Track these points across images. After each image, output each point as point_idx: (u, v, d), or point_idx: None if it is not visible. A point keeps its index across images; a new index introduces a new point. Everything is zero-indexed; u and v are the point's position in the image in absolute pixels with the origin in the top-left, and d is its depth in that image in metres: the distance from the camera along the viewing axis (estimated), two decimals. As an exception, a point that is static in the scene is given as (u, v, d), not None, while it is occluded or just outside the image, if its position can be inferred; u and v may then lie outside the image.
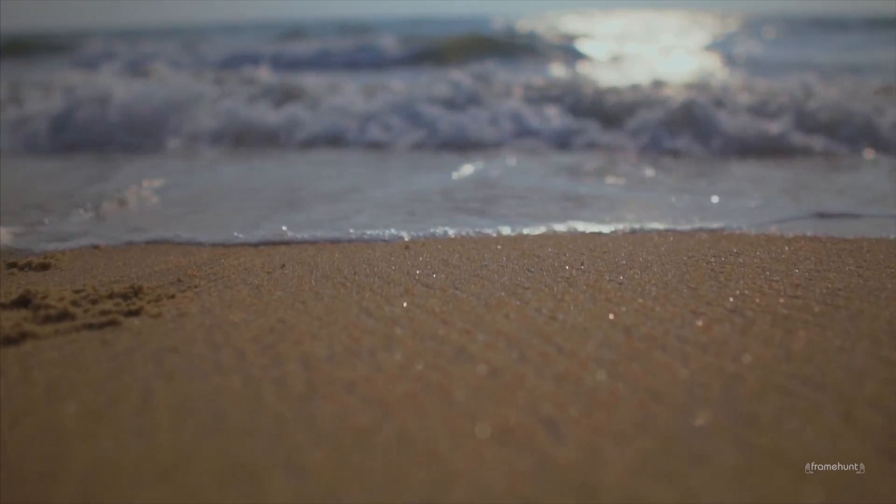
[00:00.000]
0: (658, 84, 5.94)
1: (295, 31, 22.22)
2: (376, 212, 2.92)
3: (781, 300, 1.63)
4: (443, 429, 1.02)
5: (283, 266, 2.06)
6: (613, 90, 5.64)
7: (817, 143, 4.50)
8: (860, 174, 3.88)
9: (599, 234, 2.46)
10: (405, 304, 1.63)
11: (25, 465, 0.95)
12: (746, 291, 1.70)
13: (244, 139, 5.08)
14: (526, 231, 2.51)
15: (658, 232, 2.47)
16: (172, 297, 1.78)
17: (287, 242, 2.42)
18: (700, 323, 1.47)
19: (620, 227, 2.56)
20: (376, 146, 4.96)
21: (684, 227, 2.56)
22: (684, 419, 1.04)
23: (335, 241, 2.41)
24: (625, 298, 1.65)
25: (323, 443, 1.00)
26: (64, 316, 1.65)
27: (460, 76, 5.85)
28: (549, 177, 3.79)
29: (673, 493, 0.88)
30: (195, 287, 1.87)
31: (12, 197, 3.32)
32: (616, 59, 12.73)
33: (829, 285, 1.76)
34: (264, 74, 6.72)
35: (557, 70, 10.35)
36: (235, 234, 2.54)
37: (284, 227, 2.60)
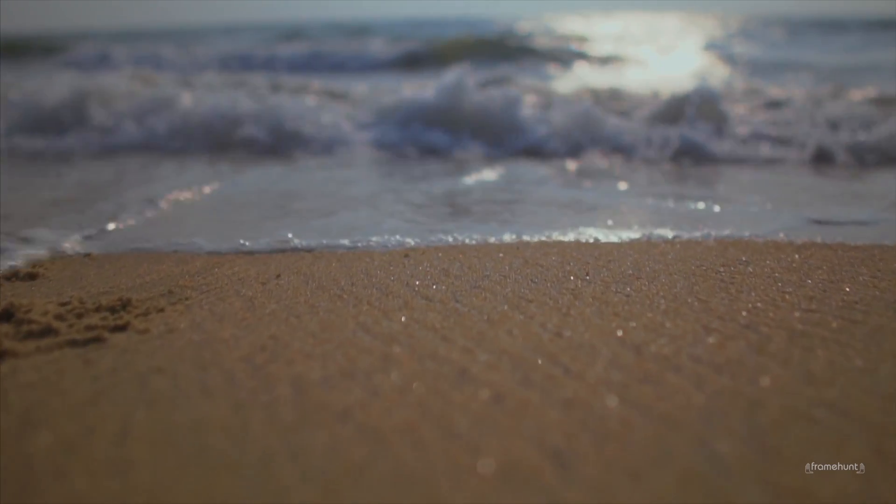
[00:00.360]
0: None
1: (293, 33, 22.15)
2: (376, 219, 2.85)
3: (796, 314, 1.56)
4: (443, 463, 0.95)
5: (278, 276, 1.99)
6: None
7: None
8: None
9: (599, 241, 2.38)
10: (404, 319, 1.56)
11: (-8, 504, 0.88)
12: (759, 304, 1.63)
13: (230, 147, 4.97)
14: (527, 238, 2.44)
15: (665, 240, 2.40)
16: (162, 310, 1.71)
17: (283, 250, 2.35)
18: (713, 340, 1.39)
19: (626, 234, 2.49)
20: (374, 152, 4.89)
21: (694, 234, 2.49)
22: (703, 452, 0.97)
23: (333, 250, 2.33)
24: (633, 313, 1.58)
25: (312, 479, 0.92)
26: (47, 332, 1.57)
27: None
28: (538, 183, 3.73)
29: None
30: (186, 300, 1.80)
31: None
32: (614, 61, 12.66)
33: (845, 297, 1.69)
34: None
35: (556, 72, 10.28)
36: (233, 241, 2.47)
37: (281, 235, 2.53)
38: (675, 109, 4.83)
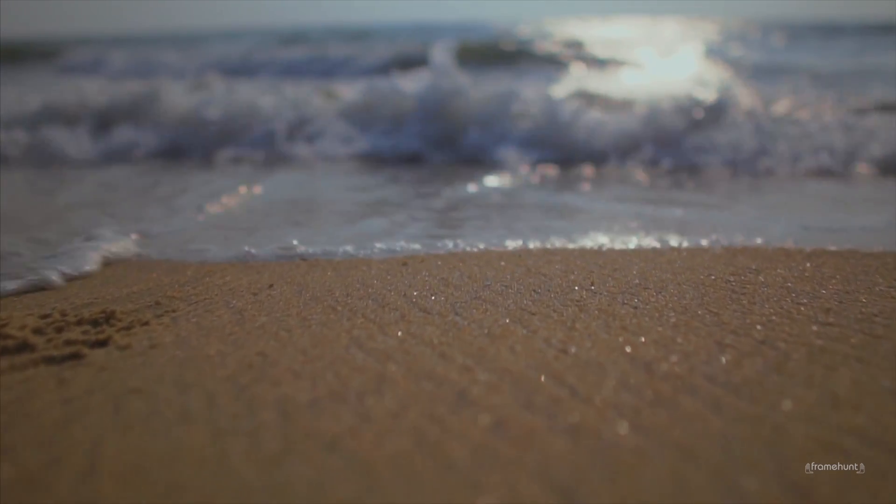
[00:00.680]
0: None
1: (293, 37, 22.10)
2: (373, 226, 2.77)
3: (814, 328, 1.48)
4: (439, 501, 0.86)
5: (271, 286, 1.90)
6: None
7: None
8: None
9: (602, 249, 2.30)
10: (400, 334, 1.47)
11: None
12: (774, 318, 1.55)
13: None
14: (531, 245, 2.36)
15: (671, 247, 2.32)
16: (146, 323, 1.63)
17: (277, 258, 2.27)
18: (728, 358, 1.31)
19: (630, 241, 2.41)
20: (373, 158, 4.81)
21: (700, 241, 2.41)
22: (724, 489, 0.88)
23: (329, 258, 2.25)
24: (642, 326, 1.49)
25: (297, 519, 0.84)
26: (23, 347, 1.49)
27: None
28: (535, 189, 3.65)
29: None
30: (173, 312, 1.71)
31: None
32: (612, 65, 12.59)
33: (863, 309, 1.61)
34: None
35: (554, 75, 10.22)
36: (235, 249, 2.39)
37: (282, 242, 2.44)
38: (676, 115, 4.75)
